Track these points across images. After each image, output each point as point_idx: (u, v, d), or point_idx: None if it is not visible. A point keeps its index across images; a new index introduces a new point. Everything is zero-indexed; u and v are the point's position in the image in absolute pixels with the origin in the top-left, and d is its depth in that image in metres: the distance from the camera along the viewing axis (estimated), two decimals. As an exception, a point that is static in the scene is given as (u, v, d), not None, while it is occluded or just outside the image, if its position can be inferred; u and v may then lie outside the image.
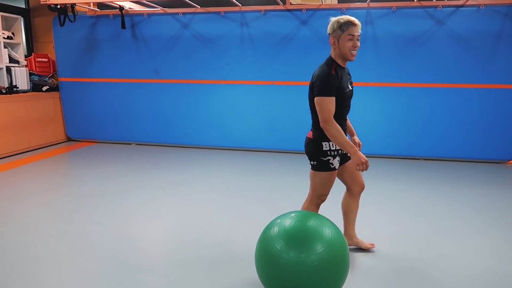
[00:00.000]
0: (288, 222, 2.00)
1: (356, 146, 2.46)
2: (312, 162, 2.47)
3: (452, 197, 3.97)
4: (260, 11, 5.63)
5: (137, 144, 6.46)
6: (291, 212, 2.14)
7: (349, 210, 2.72)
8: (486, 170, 5.00)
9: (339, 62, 2.39)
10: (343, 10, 5.40)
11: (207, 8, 5.81)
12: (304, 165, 5.27)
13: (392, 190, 4.19)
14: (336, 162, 2.44)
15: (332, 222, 2.10)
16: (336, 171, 2.48)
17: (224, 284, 2.34)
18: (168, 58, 6.06)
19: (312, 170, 2.50)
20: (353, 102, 6.40)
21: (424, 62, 5.32)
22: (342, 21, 2.32)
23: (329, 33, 2.38)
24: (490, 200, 3.90)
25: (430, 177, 4.65)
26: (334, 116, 2.29)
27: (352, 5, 5.45)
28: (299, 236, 1.93)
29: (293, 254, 1.87)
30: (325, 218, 2.10)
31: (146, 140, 6.42)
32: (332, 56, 2.40)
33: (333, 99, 2.29)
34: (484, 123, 5.29)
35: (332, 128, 2.27)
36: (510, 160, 5.43)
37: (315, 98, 2.31)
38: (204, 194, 4.02)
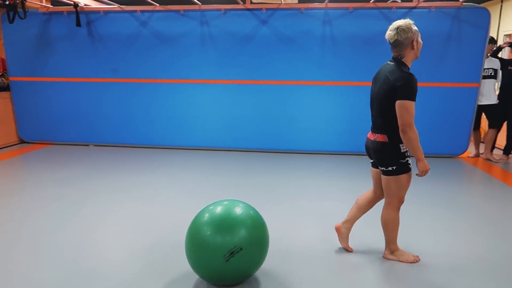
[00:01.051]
0: (215, 210, 2.25)
1: None
2: (390, 168, 2.46)
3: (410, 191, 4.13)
4: (220, 10, 5.61)
5: (95, 145, 6.27)
6: (224, 200, 2.37)
7: (362, 207, 2.76)
8: (438, 164, 5.25)
9: (410, 64, 2.44)
10: (302, 10, 5.48)
11: (166, 6, 5.72)
12: (266, 163, 5.37)
13: (353, 186, 4.31)
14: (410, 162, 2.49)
15: (255, 210, 2.36)
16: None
17: None
18: (127, 56, 5.92)
19: (389, 176, 2.49)
20: (312, 100, 6.46)
21: (380, 61, 5.45)
22: (412, 21, 2.39)
23: (406, 37, 2.36)
24: (447, 192, 4.12)
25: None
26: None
27: (311, 5, 5.54)
28: (224, 223, 2.18)
29: (219, 239, 2.13)
30: (249, 205, 2.35)
31: (105, 141, 6.25)
32: (404, 59, 2.42)
33: (414, 103, 2.33)
34: (435, 120, 5.56)
35: (413, 133, 2.33)
36: (460, 154, 5.74)
37: (400, 102, 2.31)
38: (164, 196, 3.97)
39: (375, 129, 2.54)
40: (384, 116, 2.45)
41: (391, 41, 2.41)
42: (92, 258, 2.69)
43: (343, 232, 2.80)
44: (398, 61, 2.44)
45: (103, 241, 2.98)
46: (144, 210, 3.58)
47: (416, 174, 2.45)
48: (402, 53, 2.42)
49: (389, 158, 2.46)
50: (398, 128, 2.39)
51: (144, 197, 3.91)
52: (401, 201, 2.58)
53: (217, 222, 2.17)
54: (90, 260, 2.65)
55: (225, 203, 2.31)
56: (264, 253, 2.31)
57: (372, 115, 2.59)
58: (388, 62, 2.50)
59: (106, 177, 4.56)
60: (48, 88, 6.16)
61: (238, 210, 2.25)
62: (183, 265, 2.53)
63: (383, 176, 2.54)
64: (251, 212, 2.29)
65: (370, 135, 2.58)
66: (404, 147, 2.44)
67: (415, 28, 2.39)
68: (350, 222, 2.80)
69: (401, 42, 2.38)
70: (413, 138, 2.34)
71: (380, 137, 2.48)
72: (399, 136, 2.40)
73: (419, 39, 2.43)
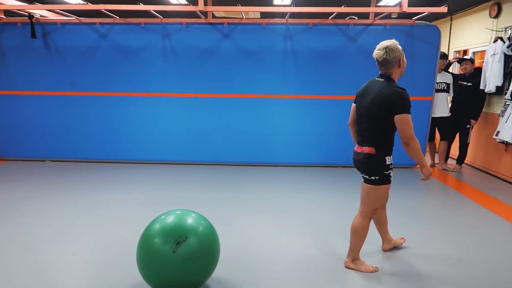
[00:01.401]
0: (166, 220, 2.25)
1: None
2: (373, 177, 2.55)
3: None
4: (181, 23, 5.61)
5: (52, 161, 6.01)
6: (176, 210, 2.37)
7: (382, 219, 2.95)
8: (396, 175, 5.38)
9: (396, 81, 2.55)
10: (264, 25, 5.57)
11: (126, 19, 5.65)
12: (230, 176, 5.33)
13: (318, 197, 4.35)
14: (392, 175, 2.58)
15: (206, 219, 2.38)
16: None
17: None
18: (86, 69, 5.77)
19: (370, 185, 2.57)
20: (275, 113, 6.47)
21: (339, 75, 5.66)
22: (397, 42, 2.51)
23: (394, 56, 2.49)
24: (405, 201, 4.22)
25: (351, 184, 4.91)
26: (391, 131, 2.49)
27: (272, 20, 5.65)
28: (174, 231, 2.18)
29: (169, 247, 2.13)
30: (200, 215, 2.37)
31: (62, 156, 6.01)
32: (392, 76, 2.54)
33: (410, 115, 2.45)
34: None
35: (416, 143, 2.46)
36: (417, 165, 5.93)
37: (399, 116, 2.42)
38: (122, 212, 3.85)
39: (362, 142, 2.60)
40: (374, 129, 2.54)
41: (380, 60, 2.53)
42: (41, 282, 2.55)
43: (389, 246, 3.00)
44: (388, 77, 2.56)
45: (55, 263, 2.82)
46: (100, 228, 3.45)
47: (422, 179, 2.60)
48: (390, 70, 2.55)
49: (374, 168, 2.55)
50: (386, 141, 2.52)
51: (100, 215, 3.77)
52: (374, 212, 2.68)
53: (166, 227, 2.19)
54: (39, 285, 2.51)
55: (177, 212, 2.31)
56: (215, 260, 2.29)
57: (359, 129, 2.66)
58: (376, 79, 2.60)
59: (62, 194, 4.37)
60: (0, 101, 5.89)
61: (189, 218, 2.26)
62: (136, 278, 2.45)
63: (364, 184, 2.63)
64: (202, 221, 2.31)
65: (357, 148, 2.64)
66: (389, 160, 2.55)
67: (400, 47, 2.53)
68: (385, 239, 3.00)
69: (389, 61, 2.51)
70: (416, 148, 2.48)
71: (367, 149, 2.55)
72: (386, 149, 2.53)
73: (404, 58, 2.57)
